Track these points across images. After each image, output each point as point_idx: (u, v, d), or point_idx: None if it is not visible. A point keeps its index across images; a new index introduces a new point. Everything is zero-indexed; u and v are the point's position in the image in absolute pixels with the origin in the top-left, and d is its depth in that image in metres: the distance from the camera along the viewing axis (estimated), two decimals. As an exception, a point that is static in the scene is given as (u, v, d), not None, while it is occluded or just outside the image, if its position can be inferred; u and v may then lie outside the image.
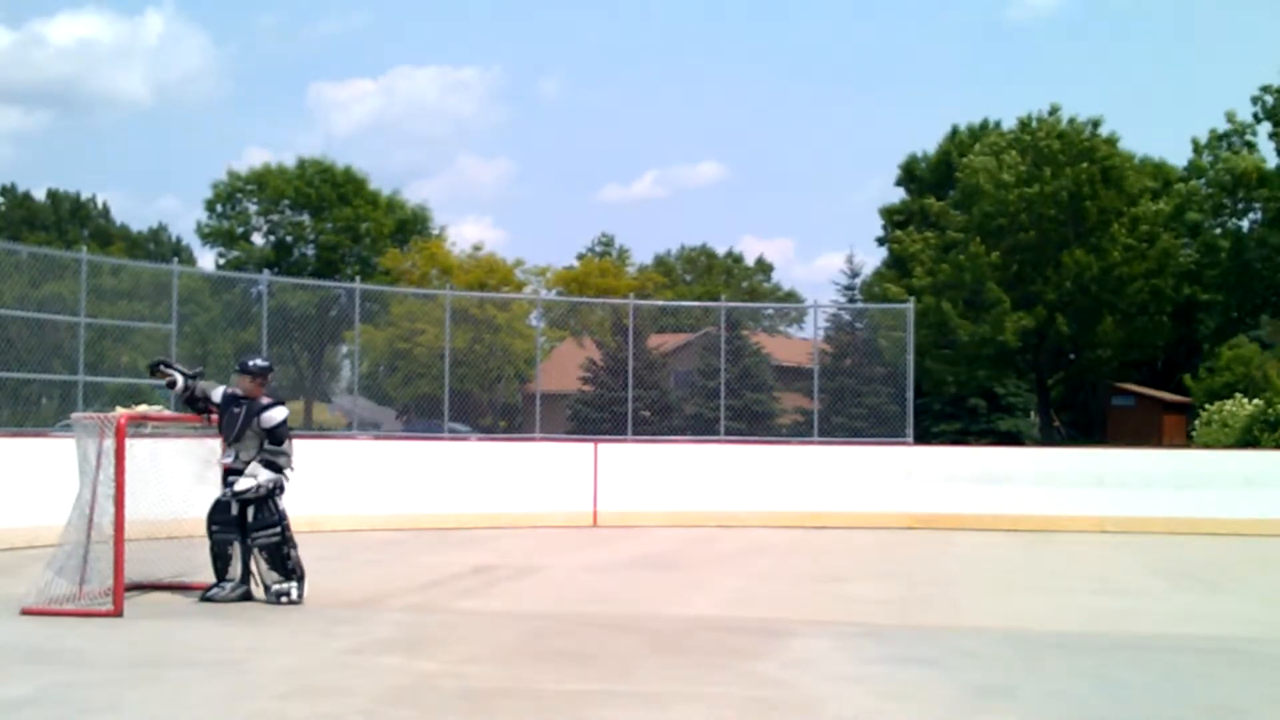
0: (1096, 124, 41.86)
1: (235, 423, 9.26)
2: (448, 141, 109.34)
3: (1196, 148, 40.20)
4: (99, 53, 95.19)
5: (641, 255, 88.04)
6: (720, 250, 75.70)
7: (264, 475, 9.15)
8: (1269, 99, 38.83)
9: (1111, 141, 41.42)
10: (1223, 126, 39.62)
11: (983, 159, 40.64)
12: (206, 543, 9.56)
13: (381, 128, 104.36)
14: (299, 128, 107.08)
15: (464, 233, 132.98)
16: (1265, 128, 39.23)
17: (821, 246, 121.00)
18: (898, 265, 44.05)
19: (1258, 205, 39.67)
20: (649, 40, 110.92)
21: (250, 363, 9.40)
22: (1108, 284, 38.75)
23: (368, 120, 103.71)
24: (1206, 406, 32.16)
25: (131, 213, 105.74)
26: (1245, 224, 40.77)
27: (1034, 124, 41.72)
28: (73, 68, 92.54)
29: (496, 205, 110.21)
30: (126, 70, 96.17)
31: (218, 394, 9.38)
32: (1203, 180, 39.89)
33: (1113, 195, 39.28)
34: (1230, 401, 30.45)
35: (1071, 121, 41.35)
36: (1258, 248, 38.43)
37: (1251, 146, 39.03)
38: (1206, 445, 29.25)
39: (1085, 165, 39.08)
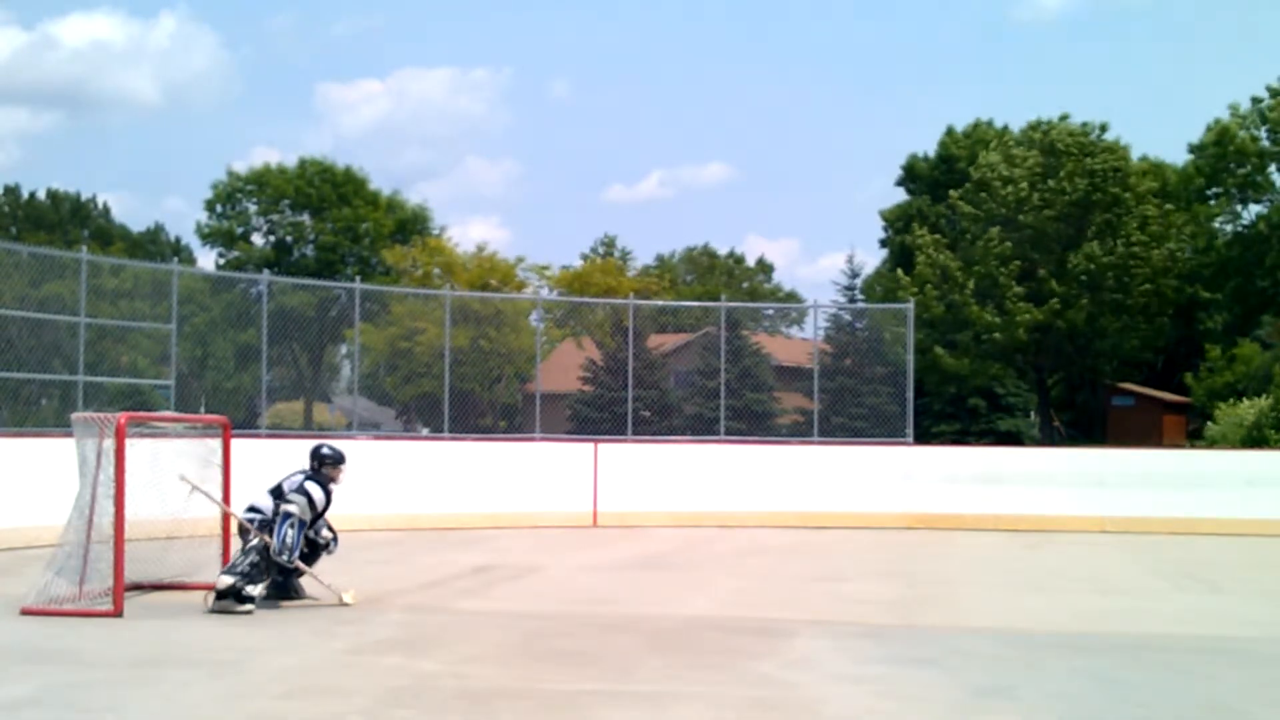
0: (1104, 128, 42.00)
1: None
2: (456, 142, 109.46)
3: (1211, 129, 40.06)
4: (110, 54, 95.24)
5: (645, 256, 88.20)
6: (723, 250, 75.74)
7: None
8: (1266, 101, 38.81)
9: (1117, 146, 41.45)
10: (1224, 118, 39.60)
11: (995, 157, 40.66)
12: (208, 543, 9.85)
13: (390, 129, 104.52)
14: (308, 128, 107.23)
15: (470, 233, 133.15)
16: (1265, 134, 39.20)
17: (827, 246, 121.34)
18: (903, 262, 44.04)
19: (1257, 202, 39.65)
20: (657, 42, 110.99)
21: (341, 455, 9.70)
22: (1114, 282, 38.74)
23: (376, 121, 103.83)
24: (1220, 405, 32.10)
25: (138, 213, 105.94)
26: (1249, 214, 40.72)
27: (1044, 126, 41.79)
28: (82, 68, 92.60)
29: (503, 205, 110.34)
30: (136, 71, 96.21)
31: (320, 496, 9.38)
32: (1206, 162, 39.76)
33: (1119, 191, 39.29)
34: (1246, 403, 30.41)
35: (1085, 126, 41.45)
36: (1260, 242, 38.39)
37: (1251, 138, 38.96)
38: (1214, 444, 29.24)
39: (1096, 158, 39.11)
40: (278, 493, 9.37)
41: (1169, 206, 40.25)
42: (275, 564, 9.07)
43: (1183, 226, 40.32)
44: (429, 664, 7.07)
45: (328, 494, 9.41)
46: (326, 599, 9.20)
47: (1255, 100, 39.04)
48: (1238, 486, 16.92)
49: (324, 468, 9.54)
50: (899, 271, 41.30)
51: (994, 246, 38.70)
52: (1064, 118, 42.02)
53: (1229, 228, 41.54)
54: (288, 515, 9.09)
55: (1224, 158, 38.62)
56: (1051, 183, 38.97)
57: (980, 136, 48.02)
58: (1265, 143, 38.82)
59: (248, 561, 8.93)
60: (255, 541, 9.02)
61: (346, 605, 9.10)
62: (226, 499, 10.07)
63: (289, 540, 9.04)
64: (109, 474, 8.68)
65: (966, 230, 40.75)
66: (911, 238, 42.14)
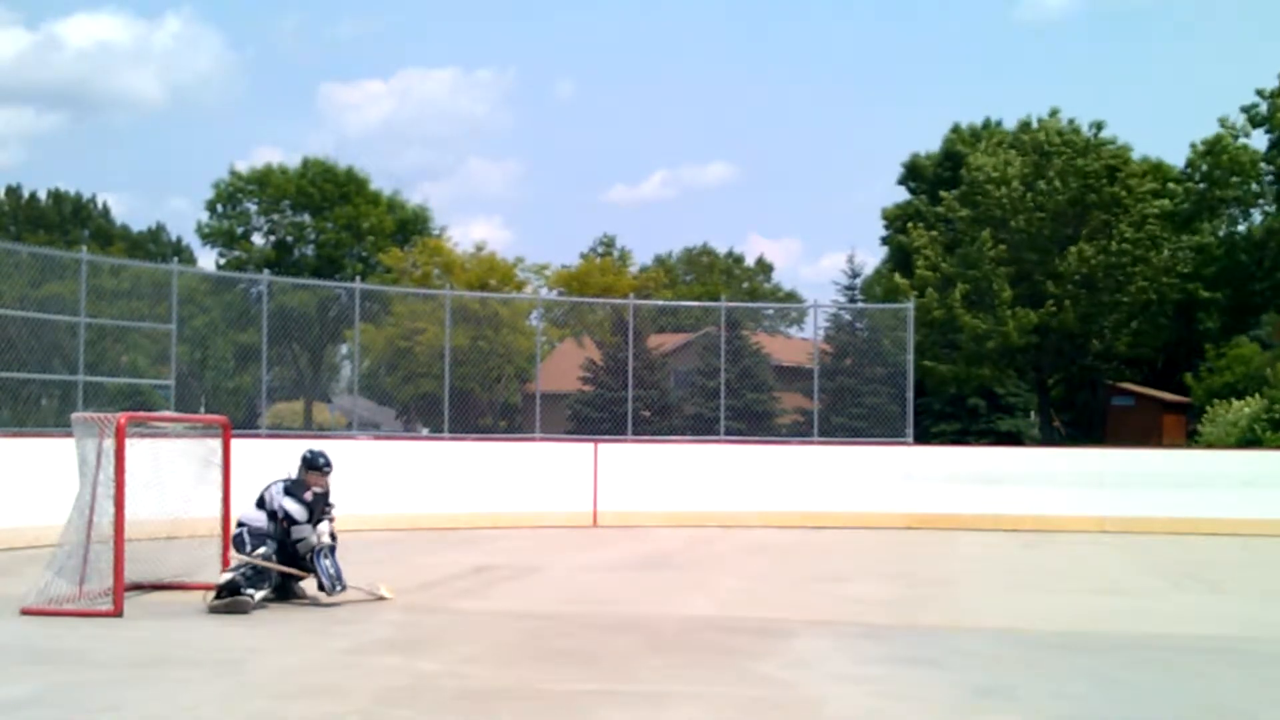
0: (1100, 127, 41.94)
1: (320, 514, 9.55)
2: (459, 143, 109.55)
3: (1194, 151, 40.22)
4: (115, 54, 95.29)
5: (644, 256, 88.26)
6: (722, 250, 75.77)
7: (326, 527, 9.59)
8: (1262, 105, 38.82)
9: (1113, 143, 41.37)
10: (1216, 131, 39.64)
11: (986, 158, 40.64)
12: (208, 543, 9.96)
13: (393, 129, 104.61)
14: (310, 129, 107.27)
15: (471, 233, 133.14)
16: (1259, 137, 39.24)
17: (829, 246, 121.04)
18: (902, 262, 44.00)
19: (1253, 206, 39.72)
20: (660, 43, 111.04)
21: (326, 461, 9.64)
22: (1111, 281, 38.73)
23: (379, 121, 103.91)
24: (1216, 402, 32.07)
25: (142, 214, 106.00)
26: (1243, 226, 40.82)
27: (1034, 124, 41.71)
28: (87, 69, 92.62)
29: (505, 206, 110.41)
30: (141, 71, 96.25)
31: (298, 509, 9.34)
32: (1197, 176, 39.84)
33: (1116, 190, 39.23)
34: (1242, 402, 30.38)
35: (1071, 122, 41.37)
36: (1254, 249, 38.45)
37: (1244, 149, 39.02)
38: (1211, 445, 29.22)
39: (1089, 159, 39.05)
40: (261, 504, 9.43)
41: (1159, 203, 40.20)
42: (281, 569, 9.16)
43: (1182, 243, 40.29)
44: (429, 664, 7.07)
45: (305, 504, 9.37)
46: (357, 598, 9.31)
47: (1261, 94, 38.94)
48: (1237, 486, 16.92)
49: (305, 472, 9.52)
50: (895, 276, 41.23)
51: (988, 249, 38.67)
52: (1054, 113, 41.91)
53: (1223, 231, 41.57)
54: (316, 550, 9.19)
55: (1218, 168, 38.63)
56: (1042, 184, 38.91)
57: (989, 135, 47.84)
58: (1263, 143, 38.82)
59: (250, 565, 8.96)
60: (263, 549, 9.06)
61: (385, 599, 9.33)
62: (227, 499, 10.09)
63: (332, 570, 9.21)
64: (109, 474, 8.69)
65: (964, 233, 40.71)
66: (909, 239, 42.10)
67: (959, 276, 39.19)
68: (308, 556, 9.20)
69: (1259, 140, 39.38)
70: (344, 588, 9.21)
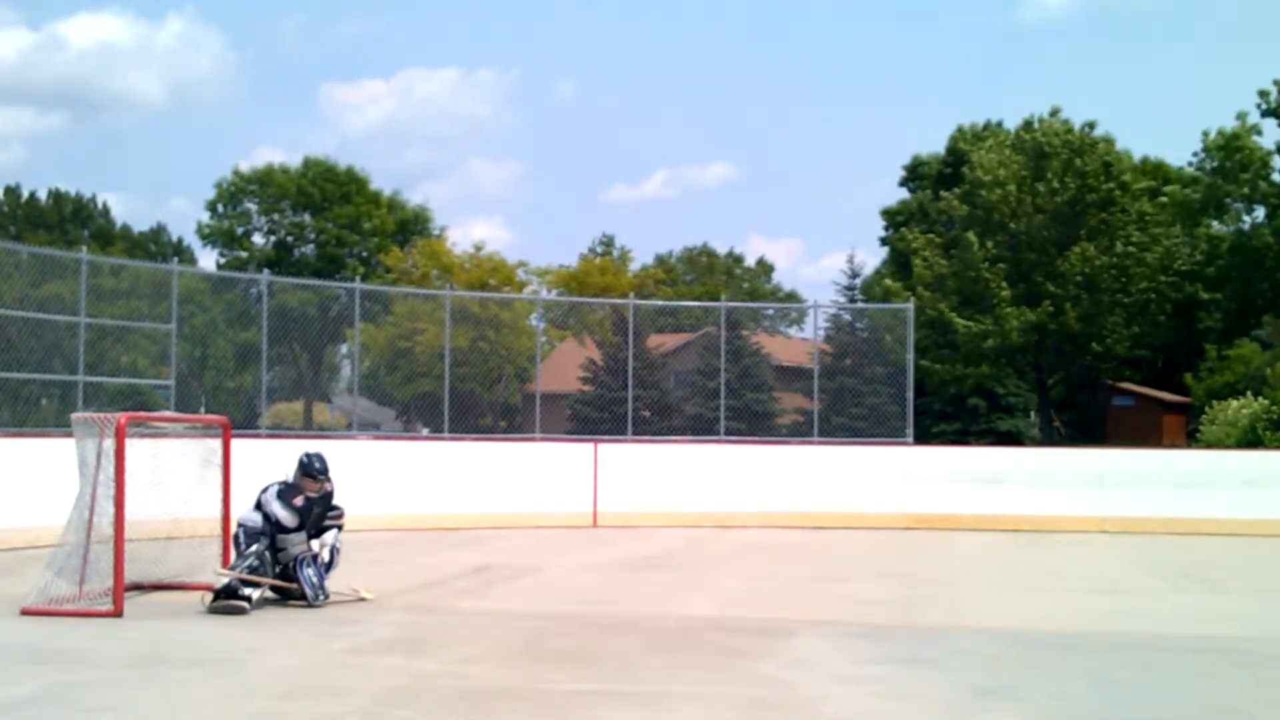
0: (1092, 125, 41.92)
1: (319, 518, 9.52)
2: (460, 143, 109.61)
3: (1208, 141, 40.07)
4: (117, 54, 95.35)
5: (644, 256, 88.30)
6: (722, 250, 75.78)
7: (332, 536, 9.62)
8: (1275, 93, 38.78)
9: (1109, 141, 41.37)
10: (1232, 125, 39.57)
11: (986, 157, 40.62)
12: (208, 543, 9.96)
13: (395, 129, 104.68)
14: (312, 129, 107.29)
15: (472, 234, 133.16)
16: (1271, 127, 39.23)
17: (830, 246, 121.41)
18: (902, 263, 43.96)
19: (1260, 203, 39.70)
20: (661, 43, 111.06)
21: (322, 466, 9.57)
22: (1111, 281, 38.70)
23: (381, 121, 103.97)
24: (1214, 404, 32.05)
25: (143, 214, 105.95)
26: (1248, 222, 40.79)
27: (1035, 125, 41.71)
28: (89, 69, 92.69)
29: (506, 205, 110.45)
30: (143, 72, 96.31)
31: (287, 515, 9.26)
32: (1208, 165, 39.74)
33: (1113, 189, 39.20)
34: (1240, 401, 30.36)
35: (1065, 123, 41.37)
36: (1261, 246, 38.42)
37: (1254, 148, 39.03)
38: (1210, 445, 29.21)
39: (1085, 159, 39.03)
40: (258, 506, 9.41)
41: (1165, 216, 40.16)
42: (275, 565, 9.14)
43: (1178, 238, 40.24)
44: (429, 664, 7.07)
45: (294, 510, 9.33)
46: (343, 598, 9.31)
47: (1279, 83, 38.87)
48: (1236, 487, 16.92)
49: (300, 477, 9.49)
50: (888, 282, 41.21)
51: (978, 251, 38.65)
52: (1054, 113, 41.89)
53: (1229, 227, 41.54)
54: (299, 558, 9.16)
55: (1228, 161, 38.58)
56: (1040, 185, 38.88)
57: (991, 136, 47.78)
58: (1275, 134, 38.86)
59: (245, 565, 8.96)
60: (255, 547, 9.04)
61: (365, 600, 9.34)
62: (227, 499, 10.09)
63: (315, 579, 9.18)
64: (109, 474, 8.69)
65: (963, 232, 40.68)
66: (906, 241, 42.08)
67: (953, 277, 39.19)
68: (290, 565, 9.17)
69: (1270, 131, 39.39)
70: (326, 596, 9.18)
